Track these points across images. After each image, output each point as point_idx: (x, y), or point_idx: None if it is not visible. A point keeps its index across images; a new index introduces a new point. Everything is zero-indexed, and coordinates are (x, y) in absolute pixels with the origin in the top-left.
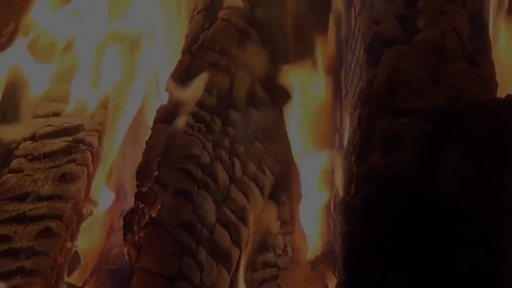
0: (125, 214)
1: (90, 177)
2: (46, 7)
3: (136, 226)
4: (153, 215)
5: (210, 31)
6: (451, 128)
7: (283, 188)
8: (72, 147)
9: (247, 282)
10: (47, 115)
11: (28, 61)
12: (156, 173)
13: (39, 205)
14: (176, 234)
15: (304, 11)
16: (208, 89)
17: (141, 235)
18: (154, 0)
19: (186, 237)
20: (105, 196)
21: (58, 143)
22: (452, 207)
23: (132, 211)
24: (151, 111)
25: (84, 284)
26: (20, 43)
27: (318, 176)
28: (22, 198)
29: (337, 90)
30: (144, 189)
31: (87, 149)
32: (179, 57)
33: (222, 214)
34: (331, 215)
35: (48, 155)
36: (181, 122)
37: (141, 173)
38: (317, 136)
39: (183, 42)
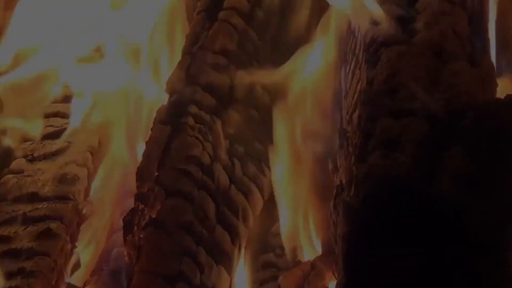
0: (125, 215)
1: (90, 178)
2: None
3: (136, 227)
4: (153, 216)
5: (210, 32)
6: (451, 128)
7: None
8: (72, 148)
9: (250, 282)
10: (47, 116)
11: None
12: (156, 174)
13: (39, 206)
14: (176, 235)
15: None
16: (208, 90)
17: (141, 236)
18: (154, 1)
19: (186, 238)
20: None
21: (58, 144)
22: (451, 207)
23: (132, 212)
24: (151, 111)
25: (84, 285)
26: None
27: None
28: (22, 199)
29: (337, 91)
30: (144, 190)
31: (87, 150)
32: (179, 58)
33: (222, 214)
34: (331, 215)
35: (48, 156)
36: (181, 122)
37: (141, 174)
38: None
39: (183, 43)
